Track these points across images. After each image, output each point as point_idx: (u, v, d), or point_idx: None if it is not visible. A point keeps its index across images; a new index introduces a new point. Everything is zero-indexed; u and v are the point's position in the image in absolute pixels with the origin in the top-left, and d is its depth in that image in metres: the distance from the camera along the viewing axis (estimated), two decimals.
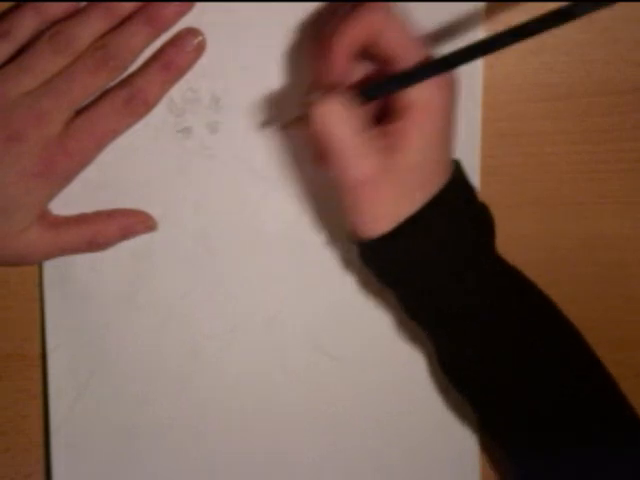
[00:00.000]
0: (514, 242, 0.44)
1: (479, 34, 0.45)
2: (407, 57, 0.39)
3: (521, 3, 0.45)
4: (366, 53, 0.40)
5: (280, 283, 0.47)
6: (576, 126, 0.47)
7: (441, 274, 0.41)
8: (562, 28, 0.46)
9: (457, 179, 0.41)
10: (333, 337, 0.48)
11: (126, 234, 0.45)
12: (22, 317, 0.47)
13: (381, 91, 0.40)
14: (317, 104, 0.39)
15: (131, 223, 0.45)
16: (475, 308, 0.42)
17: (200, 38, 0.42)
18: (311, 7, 0.44)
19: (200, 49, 0.42)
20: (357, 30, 0.39)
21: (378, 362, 0.48)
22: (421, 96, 0.39)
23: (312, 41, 0.43)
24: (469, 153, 0.46)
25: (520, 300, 0.43)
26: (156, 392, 0.47)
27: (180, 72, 0.42)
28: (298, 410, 0.49)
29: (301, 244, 0.47)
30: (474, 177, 0.46)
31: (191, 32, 0.42)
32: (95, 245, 0.44)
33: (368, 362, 0.48)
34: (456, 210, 0.41)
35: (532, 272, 0.43)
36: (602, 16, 0.46)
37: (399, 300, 0.44)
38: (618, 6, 0.45)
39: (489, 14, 0.45)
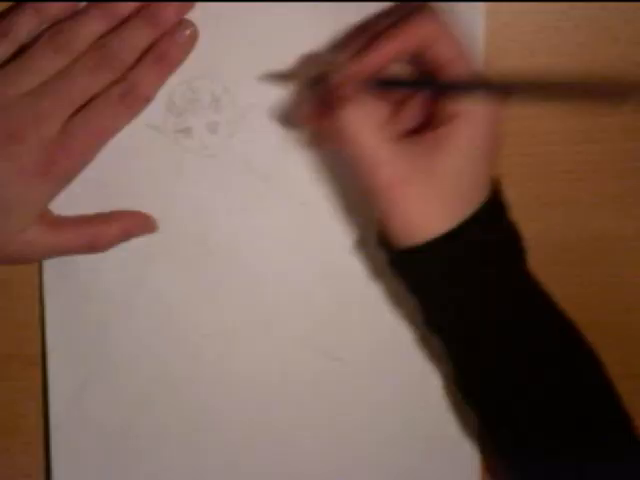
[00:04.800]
0: None
1: (479, 34, 0.45)
2: (452, 72, 0.39)
3: (521, 3, 0.45)
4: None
5: (280, 284, 0.47)
6: (576, 126, 0.47)
7: (470, 289, 0.41)
8: (562, 28, 0.46)
9: (495, 199, 0.41)
10: (333, 338, 0.48)
11: (126, 236, 0.45)
12: (22, 317, 0.47)
13: (406, 87, 0.41)
14: (342, 109, 0.38)
15: (131, 225, 0.45)
16: (498, 324, 0.41)
17: (192, 29, 0.42)
18: (311, 7, 0.44)
19: (192, 40, 0.42)
20: (409, 39, 0.39)
21: (379, 363, 0.48)
22: (472, 108, 0.39)
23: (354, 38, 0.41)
24: None
25: (541, 320, 0.42)
26: (156, 392, 0.47)
27: (174, 64, 0.42)
28: (298, 411, 0.49)
29: (301, 244, 0.47)
30: None
31: (183, 23, 0.42)
32: (95, 247, 0.44)
33: (369, 363, 0.48)
34: (491, 230, 0.41)
35: (531, 272, 0.43)
36: (602, 16, 0.46)
37: (422, 309, 0.43)
38: (618, 6, 0.46)
39: (489, 14, 0.45)
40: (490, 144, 0.40)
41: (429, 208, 0.39)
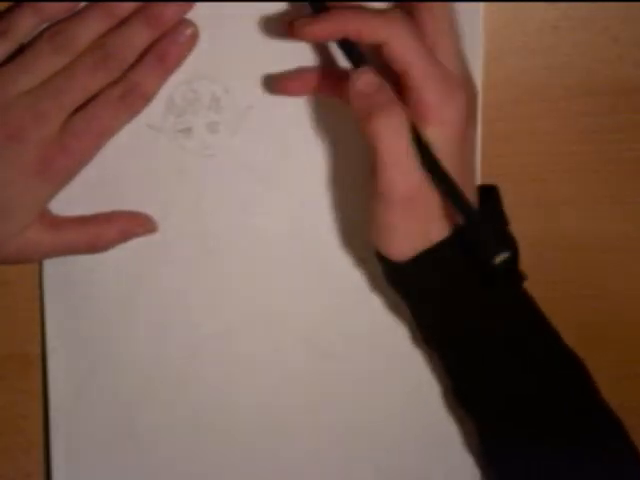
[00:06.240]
0: None
1: (479, 34, 0.45)
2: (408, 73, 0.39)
3: (521, 3, 0.45)
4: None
5: (279, 283, 0.47)
6: (576, 126, 0.47)
7: (465, 299, 0.41)
8: (562, 28, 0.46)
9: (487, 210, 0.41)
10: (333, 337, 0.48)
11: (126, 236, 0.45)
12: (22, 317, 0.47)
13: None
14: (376, 116, 0.38)
15: (131, 226, 0.45)
16: (491, 334, 0.42)
17: (192, 29, 0.42)
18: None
19: (193, 39, 0.42)
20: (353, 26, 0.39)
21: (378, 362, 0.48)
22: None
23: None
24: None
25: (531, 332, 0.43)
26: (156, 392, 0.47)
27: (175, 63, 0.42)
28: (297, 410, 0.49)
29: (300, 244, 0.47)
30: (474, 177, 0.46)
31: (183, 23, 0.42)
32: (95, 247, 0.44)
33: (368, 361, 0.48)
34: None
35: (532, 272, 0.43)
36: (602, 16, 0.46)
37: (416, 316, 0.44)
38: (618, 6, 0.46)
39: (489, 14, 0.45)
40: (463, 151, 0.40)
41: (423, 224, 0.40)
